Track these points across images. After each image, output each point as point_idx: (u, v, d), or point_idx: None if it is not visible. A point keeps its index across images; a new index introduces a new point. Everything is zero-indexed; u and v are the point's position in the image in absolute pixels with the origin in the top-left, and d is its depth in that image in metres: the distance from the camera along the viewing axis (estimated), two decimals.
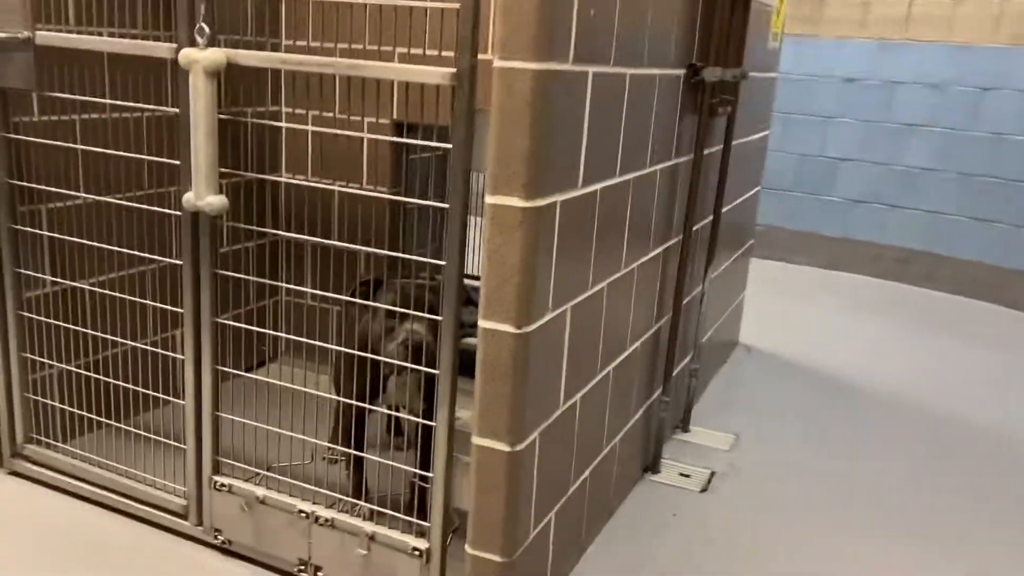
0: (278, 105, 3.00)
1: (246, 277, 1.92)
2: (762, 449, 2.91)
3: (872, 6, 4.97)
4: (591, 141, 1.76)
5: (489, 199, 1.58)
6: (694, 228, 2.56)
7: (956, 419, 3.32)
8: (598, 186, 1.85)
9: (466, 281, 1.73)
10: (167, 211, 1.98)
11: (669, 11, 2.12)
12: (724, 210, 2.90)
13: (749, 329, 4.02)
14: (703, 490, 2.61)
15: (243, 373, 1.99)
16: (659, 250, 2.37)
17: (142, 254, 2.20)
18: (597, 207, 1.86)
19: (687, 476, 2.69)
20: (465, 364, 1.74)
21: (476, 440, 1.69)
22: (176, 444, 2.08)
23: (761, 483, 2.68)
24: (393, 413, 1.95)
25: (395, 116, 2.88)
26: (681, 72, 2.29)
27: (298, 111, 3.00)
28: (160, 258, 2.04)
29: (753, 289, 4.03)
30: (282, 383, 1.95)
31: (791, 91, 5.12)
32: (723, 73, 2.45)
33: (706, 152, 2.53)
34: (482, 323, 1.63)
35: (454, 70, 1.58)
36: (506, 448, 1.67)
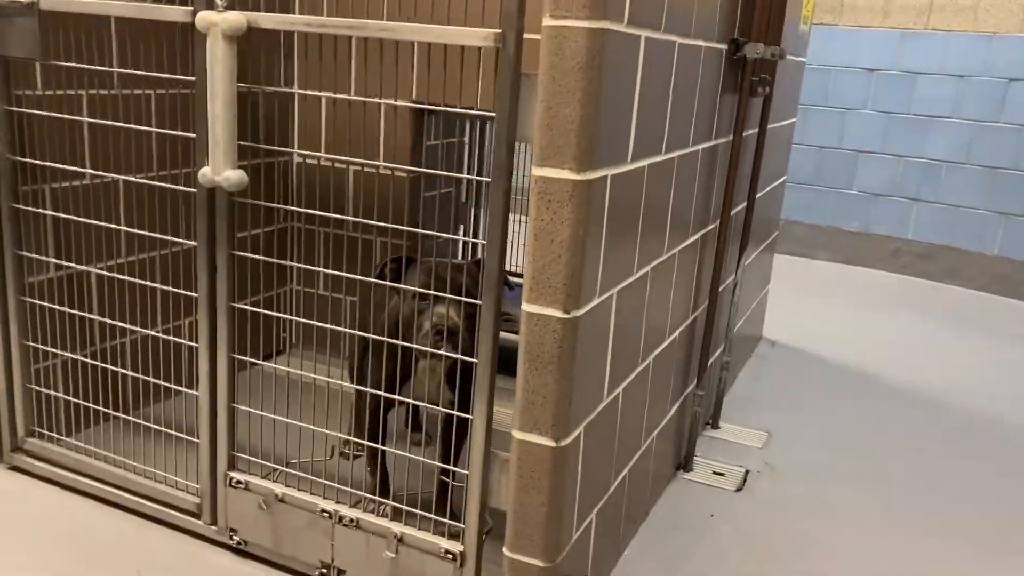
0: (290, 86, 2.86)
1: (267, 259, 1.79)
2: (795, 447, 2.79)
3: None
4: (641, 113, 1.63)
5: (536, 171, 1.45)
6: (731, 214, 2.44)
7: (985, 416, 3.20)
8: (646, 162, 1.72)
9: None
10: (181, 188, 1.85)
11: None
12: (756, 197, 2.77)
13: (772, 324, 3.90)
14: (738, 489, 2.49)
15: (259, 362, 1.86)
16: (698, 235, 2.25)
17: (154, 235, 2.07)
18: (644, 185, 1.73)
19: (721, 475, 2.56)
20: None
21: (517, 435, 1.56)
22: (188, 438, 1.95)
23: (797, 483, 2.56)
24: (421, 404, 1.81)
25: (414, 97, 2.75)
26: (723, 47, 2.16)
27: (310, 92, 2.88)
28: (173, 238, 1.91)
29: (773, 284, 3.92)
30: (302, 373, 1.82)
31: (810, 81, 5.00)
32: (764, 50, 2.33)
33: (744, 134, 2.41)
34: (526, 307, 1.51)
35: (498, 30, 1.45)
36: (551, 443, 1.54)
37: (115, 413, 2.12)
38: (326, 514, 1.80)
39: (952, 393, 3.40)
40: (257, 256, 1.81)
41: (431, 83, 2.59)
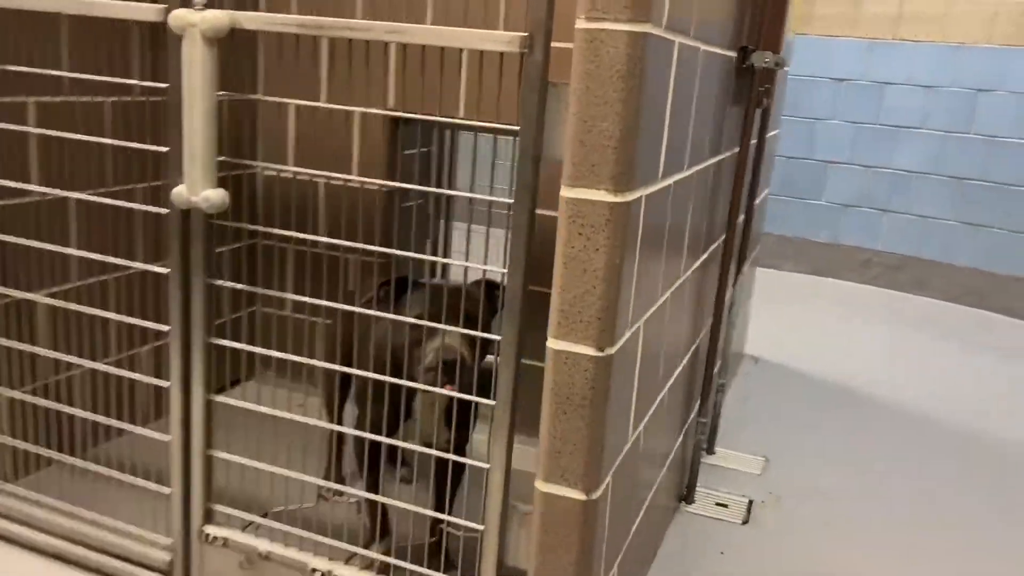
0: (252, 91, 2.66)
1: (248, 288, 1.59)
2: (794, 472, 2.67)
3: (863, 4, 4.81)
4: (671, 126, 1.49)
5: (567, 192, 1.29)
6: (736, 229, 2.31)
7: (973, 432, 3.14)
8: (673, 179, 1.57)
9: (498, 282, 1.44)
10: (151, 208, 1.64)
11: None
12: (753, 211, 2.66)
13: (751, 338, 3.81)
14: (744, 522, 2.35)
15: (230, 401, 1.66)
16: (706, 253, 2.11)
17: (113, 259, 1.85)
18: (669, 203, 1.59)
19: (724, 506, 2.42)
20: (487, 385, 1.47)
21: (542, 486, 1.39)
22: (157, 488, 1.74)
23: (803, 511, 2.44)
24: (419, 449, 1.63)
25: (391, 106, 2.57)
26: (733, 55, 2.03)
27: (276, 99, 2.68)
28: (137, 264, 1.70)
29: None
30: (277, 412, 1.63)
31: (778, 91, 4.93)
32: (771, 59, 2.20)
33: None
34: (553, 343, 1.34)
35: (524, 34, 1.29)
36: (581, 496, 1.37)
37: (66, 456, 1.90)
38: (318, 573, 1.61)
39: (933, 405, 3.34)
40: (236, 285, 1.61)
41: (409, 90, 2.42)
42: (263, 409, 1.62)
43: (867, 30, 4.87)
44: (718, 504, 2.43)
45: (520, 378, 1.43)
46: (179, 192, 1.51)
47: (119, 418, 1.76)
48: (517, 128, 1.32)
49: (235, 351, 1.61)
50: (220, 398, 1.65)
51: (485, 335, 1.51)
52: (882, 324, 4.42)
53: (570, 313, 1.32)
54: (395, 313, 1.67)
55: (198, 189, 1.49)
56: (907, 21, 4.78)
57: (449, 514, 1.73)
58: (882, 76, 4.90)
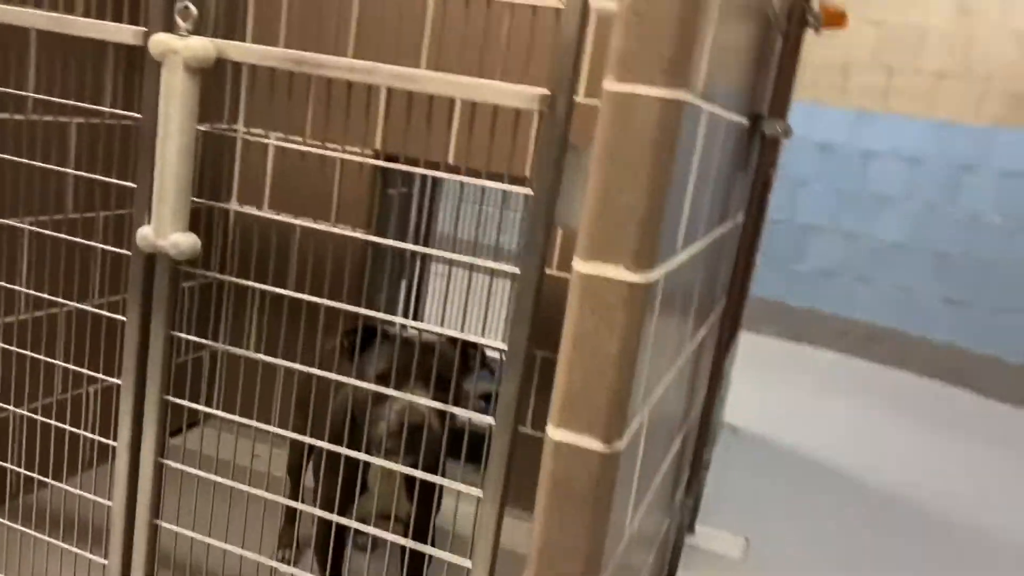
0: (230, 122, 2.52)
1: (211, 344, 1.44)
2: (777, 558, 2.54)
3: (852, 74, 4.82)
4: (694, 197, 1.37)
5: (581, 267, 1.16)
6: (744, 298, 2.21)
7: (954, 519, 3.04)
8: (689, 252, 1.46)
9: (477, 342, 1.31)
10: (111, 249, 1.48)
11: (746, 45, 1.77)
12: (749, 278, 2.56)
13: (729, 406, 3.70)
14: None
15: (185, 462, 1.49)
16: (707, 323, 2.00)
17: (55, 299, 1.68)
18: (684, 277, 1.47)
19: None
20: (472, 446, 1.33)
21: None
22: (92, 557, 1.55)
23: None
24: (372, 532, 1.47)
25: (378, 146, 2.45)
26: (745, 121, 1.94)
27: (256, 132, 2.54)
28: (85, 307, 1.53)
29: None
30: (241, 480, 1.47)
31: None
32: (781, 127, 2.12)
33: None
34: (553, 432, 1.20)
35: (544, 91, 1.17)
36: None
37: None
38: None
39: (915, 490, 3.24)
40: (201, 340, 1.45)
41: (397, 132, 2.30)
42: (214, 477, 1.45)
43: (856, 100, 4.87)
44: None
45: (513, 466, 1.29)
46: (144, 235, 1.36)
47: (62, 460, 1.57)
48: (524, 180, 1.20)
49: (194, 389, 1.45)
50: (171, 463, 1.48)
51: (456, 409, 1.36)
52: (859, 397, 4.34)
53: (576, 400, 1.18)
54: (360, 366, 1.53)
55: (166, 232, 1.34)
56: (896, 94, 4.79)
57: None
58: (868, 145, 4.89)
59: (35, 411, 2.01)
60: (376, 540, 2.14)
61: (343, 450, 1.37)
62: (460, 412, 1.34)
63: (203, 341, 1.43)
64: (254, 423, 1.42)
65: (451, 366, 1.55)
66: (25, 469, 1.72)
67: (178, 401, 1.46)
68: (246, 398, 2.64)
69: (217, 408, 2.76)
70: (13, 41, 1.79)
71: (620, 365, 1.16)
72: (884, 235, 4.87)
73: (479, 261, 1.26)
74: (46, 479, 1.62)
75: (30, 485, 1.87)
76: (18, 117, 1.88)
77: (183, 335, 1.44)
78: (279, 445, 2.49)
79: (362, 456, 1.37)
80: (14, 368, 1.94)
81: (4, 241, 1.89)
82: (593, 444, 1.18)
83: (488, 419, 1.28)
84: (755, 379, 4.24)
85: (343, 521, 1.43)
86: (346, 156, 1.23)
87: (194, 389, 2.66)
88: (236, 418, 1.46)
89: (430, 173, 1.27)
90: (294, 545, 2.09)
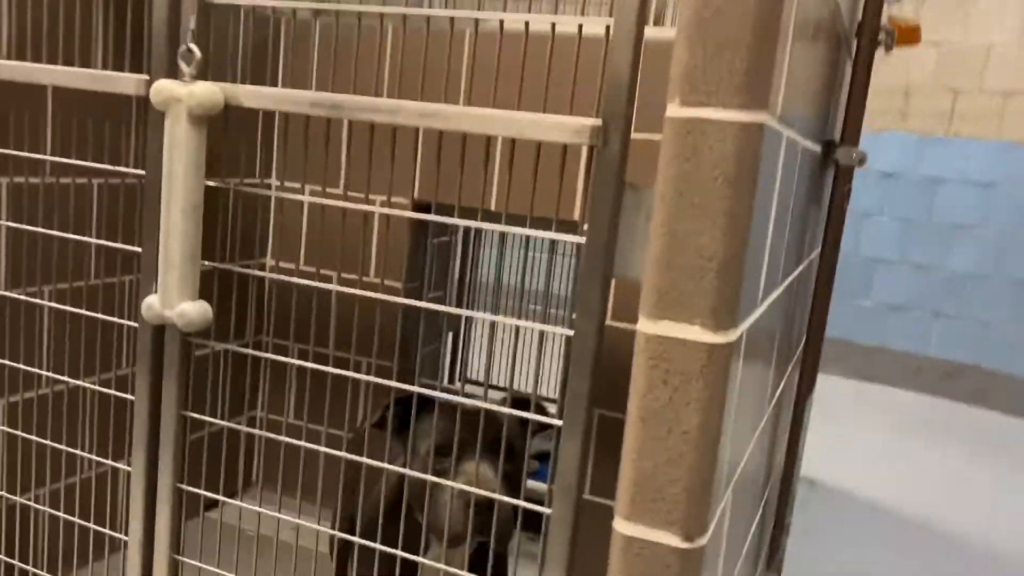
0: (263, 175, 2.41)
1: (230, 425, 1.28)
2: None
3: (913, 98, 4.58)
4: (773, 236, 1.18)
5: (649, 327, 0.97)
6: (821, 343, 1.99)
7: None
8: (770, 300, 1.26)
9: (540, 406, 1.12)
10: (115, 320, 1.33)
11: (819, 65, 1.58)
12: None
13: (803, 457, 3.43)
14: None
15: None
16: (786, 375, 1.78)
17: (58, 377, 1.54)
18: (764, 329, 1.27)
19: None
20: (530, 515, 1.13)
21: None
22: None
23: None
24: None
25: (416, 196, 2.31)
26: (818, 149, 1.74)
27: (290, 186, 2.42)
28: (94, 387, 1.39)
29: None
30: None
31: None
32: (856, 155, 1.92)
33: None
34: (623, 527, 1.01)
35: (597, 122, 0.99)
36: None
37: None
38: None
39: (1018, 542, 2.93)
40: (216, 421, 1.29)
41: (431, 177, 2.15)
42: None
43: (918, 124, 4.62)
44: None
45: (574, 557, 1.09)
46: (150, 305, 1.21)
47: (86, 546, 1.42)
48: (574, 226, 1.02)
49: (224, 462, 1.28)
50: (189, 560, 1.31)
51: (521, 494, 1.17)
52: (940, 438, 4.03)
53: (648, 488, 0.99)
54: (404, 444, 1.35)
55: (173, 302, 1.19)
56: (960, 118, 4.53)
57: None
58: (934, 172, 4.63)
59: (43, 497, 1.87)
60: None
61: (396, 551, 1.19)
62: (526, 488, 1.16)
63: (216, 421, 1.27)
64: (266, 510, 1.25)
65: (517, 434, 1.37)
66: (36, 561, 1.57)
67: (192, 490, 1.30)
68: (289, 469, 2.49)
69: (257, 480, 2.61)
70: (28, 99, 1.69)
71: (701, 444, 0.97)
72: (956, 265, 4.58)
73: (528, 323, 1.08)
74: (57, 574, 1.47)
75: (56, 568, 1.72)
76: (33, 180, 1.77)
77: (198, 415, 1.28)
78: (327, 518, 2.32)
79: (420, 560, 1.18)
80: (20, 450, 1.81)
81: (23, 313, 1.78)
82: (672, 540, 0.98)
83: (544, 509, 1.09)
84: (827, 424, 3.96)
85: None
86: (378, 209, 1.07)
87: (232, 460, 2.52)
88: (244, 507, 1.29)
89: (469, 223, 1.10)
90: None
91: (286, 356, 2.43)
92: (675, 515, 0.98)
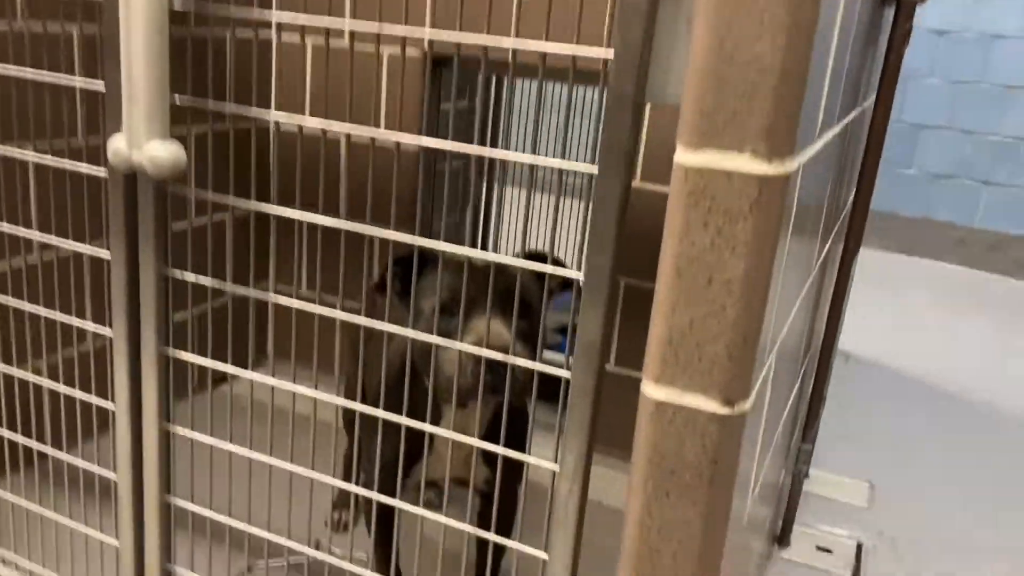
0: (261, 11, 2.21)
1: (215, 284, 1.15)
2: (908, 506, 2.19)
3: None
4: (836, 58, 1.00)
5: (687, 158, 0.81)
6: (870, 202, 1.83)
7: None
8: (826, 137, 1.09)
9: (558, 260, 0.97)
10: (80, 166, 1.19)
11: None
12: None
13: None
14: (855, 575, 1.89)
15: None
16: (831, 237, 1.63)
17: (34, 235, 1.42)
18: (818, 173, 1.10)
19: (827, 551, 1.96)
20: (550, 385, 1.01)
21: None
22: (102, 538, 1.32)
23: (927, 564, 1.96)
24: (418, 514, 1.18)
25: (427, 47, 2.11)
26: None
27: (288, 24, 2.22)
28: (67, 243, 1.26)
29: None
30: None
31: None
32: None
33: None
34: (652, 390, 0.88)
35: None
36: None
37: None
38: None
39: None
40: (201, 279, 1.16)
41: (445, 21, 1.95)
42: (229, 447, 1.18)
43: None
44: (820, 548, 1.96)
45: (597, 422, 0.97)
46: (117, 147, 1.06)
47: (64, 428, 1.33)
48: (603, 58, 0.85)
49: (236, 337, 1.17)
50: (180, 430, 1.21)
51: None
52: (982, 313, 3.87)
53: (683, 347, 0.85)
54: (415, 301, 1.21)
55: (141, 141, 1.04)
56: None
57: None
58: (990, 28, 4.28)
59: (40, 370, 1.79)
60: (439, 492, 1.88)
61: (399, 418, 1.08)
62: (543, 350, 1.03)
63: (204, 281, 1.15)
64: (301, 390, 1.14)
65: (534, 290, 1.22)
66: (26, 436, 1.49)
67: (184, 356, 1.18)
68: (303, 340, 2.40)
69: (270, 352, 2.53)
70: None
71: (747, 295, 0.82)
72: (1010, 130, 4.29)
73: (545, 160, 0.92)
74: (46, 448, 1.39)
75: (41, 455, 1.65)
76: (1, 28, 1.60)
77: (182, 274, 1.15)
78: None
79: (427, 426, 1.07)
80: (13, 322, 1.71)
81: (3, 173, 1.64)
82: (710, 406, 0.85)
83: (563, 372, 0.96)
84: (865, 297, 3.80)
85: (390, 502, 1.14)
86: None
87: (240, 335, 2.43)
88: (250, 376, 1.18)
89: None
90: (352, 506, 1.85)
91: (292, 230, 2.30)
92: (714, 377, 0.84)
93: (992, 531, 2.12)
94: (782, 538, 1.95)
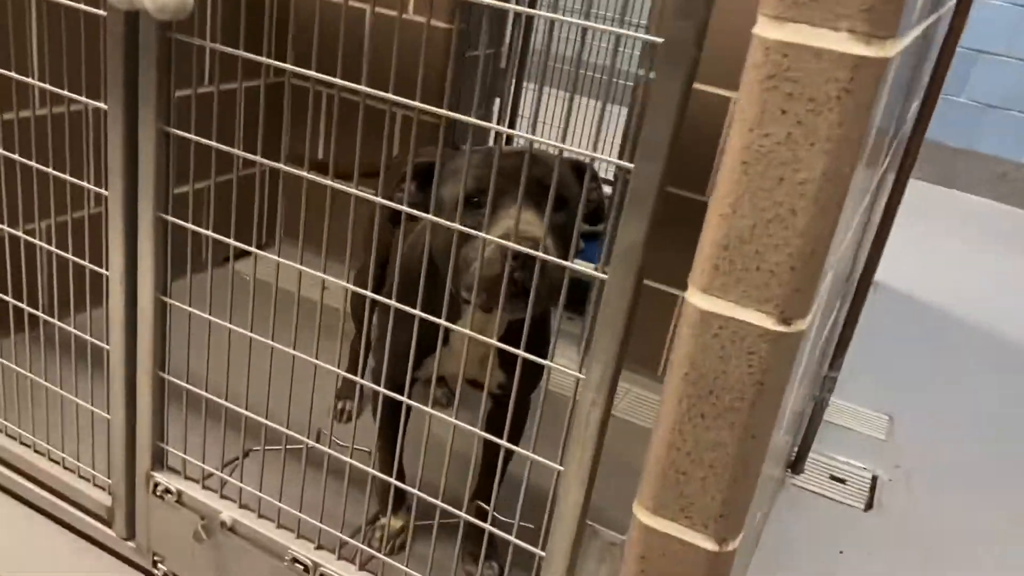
0: None
1: (219, 146, 1.05)
2: (926, 440, 2.12)
3: None
4: None
5: (768, 31, 0.69)
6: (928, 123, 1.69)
7: None
8: (922, 27, 0.96)
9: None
10: (79, 5, 1.06)
11: None
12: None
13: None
14: (868, 507, 1.83)
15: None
16: (889, 155, 1.50)
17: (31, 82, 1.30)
18: (902, 72, 0.98)
19: (841, 481, 1.90)
20: (573, 292, 0.91)
21: (646, 519, 0.86)
22: (94, 410, 1.26)
23: (943, 498, 1.90)
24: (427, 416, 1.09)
25: None
26: None
27: None
28: (63, 93, 1.15)
29: None
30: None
31: None
32: None
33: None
34: (699, 300, 0.78)
35: None
36: (711, 546, 0.84)
37: None
38: (300, 566, 1.13)
39: None
40: (203, 140, 1.06)
41: None
42: (226, 324, 1.10)
43: None
44: (833, 478, 1.90)
45: (628, 339, 0.88)
46: None
47: (57, 296, 1.26)
48: None
49: (246, 216, 1.08)
50: (177, 303, 1.13)
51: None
52: (1018, 252, 3.74)
53: (740, 254, 0.75)
54: (438, 192, 1.10)
55: None
56: None
57: (501, 484, 1.21)
58: None
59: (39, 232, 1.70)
60: (450, 393, 1.81)
61: (412, 310, 0.99)
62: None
63: (206, 141, 1.04)
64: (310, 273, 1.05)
65: (569, 184, 1.09)
66: (17, 299, 1.41)
67: (183, 223, 1.09)
68: (313, 221, 2.30)
69: (280, 232, 2.44)
70: None
71: (822, 199, 0.71)
72: None
73: (598, 25, 0.80)
74: (38, 313, 1.31)
75: (34, 320, 1.58)
76: None
77: (180, 133, 1.05)
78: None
79: (444, 323, 0.98)
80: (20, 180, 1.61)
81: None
82: (765, 321, 0.75)
83: (599, 274, 0.86)
84: (899, 228, 3.67)
85: (396, 397, 1.06)
86: None
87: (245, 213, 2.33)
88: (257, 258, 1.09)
89: None
90: (356, 396, 1.78)
91: (307, 104, 2.17)
92: (773, 290, 0.74)
93: (1011, 470, 2.05)
94: (796, 465, 1.89)
